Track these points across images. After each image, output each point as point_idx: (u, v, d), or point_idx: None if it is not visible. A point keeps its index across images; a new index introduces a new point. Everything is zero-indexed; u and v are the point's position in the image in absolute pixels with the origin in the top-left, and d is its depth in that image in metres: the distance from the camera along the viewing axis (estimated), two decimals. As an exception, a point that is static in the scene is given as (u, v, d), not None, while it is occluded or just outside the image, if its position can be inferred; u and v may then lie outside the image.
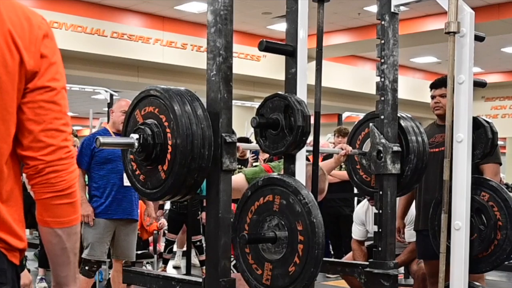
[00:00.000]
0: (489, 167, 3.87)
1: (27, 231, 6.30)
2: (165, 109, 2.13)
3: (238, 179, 3.00)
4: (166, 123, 2.12)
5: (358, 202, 7.83)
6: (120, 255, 4.81)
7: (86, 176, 4.88)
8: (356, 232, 5.40)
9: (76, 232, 1.44)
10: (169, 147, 2.10)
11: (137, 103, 2.25)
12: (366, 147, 3.07)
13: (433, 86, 4.09)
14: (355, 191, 7.84)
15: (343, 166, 6.49)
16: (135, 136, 2.15)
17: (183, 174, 2.08)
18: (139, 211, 4.95)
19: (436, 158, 3.66)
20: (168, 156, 2.10)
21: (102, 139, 2.12)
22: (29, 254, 7.25)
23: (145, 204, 5.21)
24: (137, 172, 2.25)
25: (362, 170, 3.18)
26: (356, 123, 3.30)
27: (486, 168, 3.85)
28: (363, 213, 5.36)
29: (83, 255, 4.69)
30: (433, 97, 4.07)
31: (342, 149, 3.20)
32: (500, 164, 4.03)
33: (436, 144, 3.95)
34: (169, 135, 2.10)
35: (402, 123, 2.98)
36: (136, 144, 2.14)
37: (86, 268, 4.68)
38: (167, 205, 7.95)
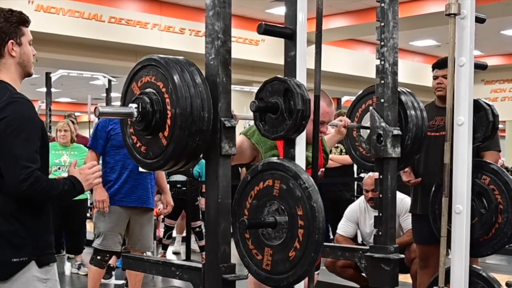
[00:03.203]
0: (491, 154, 3.84)
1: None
2: (161, 76, 2.11)
3: (239, 140, 2.95)
4: (164, 89, 2.10)
5: (358, 186, 7.83)
6: (137, 246, 4.60)
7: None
8: (345, 227, 5.22)
9: None
10: (169, 112, 2.08)
11: (133, 76, 2.23)
12: (365, 121, 3.05)
13: (436, 66, 3.99)
14: (355, 175, 7.86)
15: (343, 150, 6.50)
16: (134, 105, 2.13)
17: (184, 138, 2.06)
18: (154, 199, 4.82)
19: (437, 142, 3.63)
20: (168, 121, 2.09)
21: (102, 109, 2.09)
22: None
23: (162, 191, 4.94)
24: (138, 145, 2.23)
25: (362, 147, 3.17)
26: (354, 98, 3.28)
27: (488, 155, 3.82)
28: (357, 212, 5.20)
29: (94, 245, 4.56)
30: (435, 77, 3.98)
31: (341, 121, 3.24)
32: (500, 151, 4.02)
33: (436, 127, 3.92)
34: (167, 100, 2.09)
35: (402, 97, 2.95)
36: (135, 113, 2.12)
37: (98, 258, 4.54)
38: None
